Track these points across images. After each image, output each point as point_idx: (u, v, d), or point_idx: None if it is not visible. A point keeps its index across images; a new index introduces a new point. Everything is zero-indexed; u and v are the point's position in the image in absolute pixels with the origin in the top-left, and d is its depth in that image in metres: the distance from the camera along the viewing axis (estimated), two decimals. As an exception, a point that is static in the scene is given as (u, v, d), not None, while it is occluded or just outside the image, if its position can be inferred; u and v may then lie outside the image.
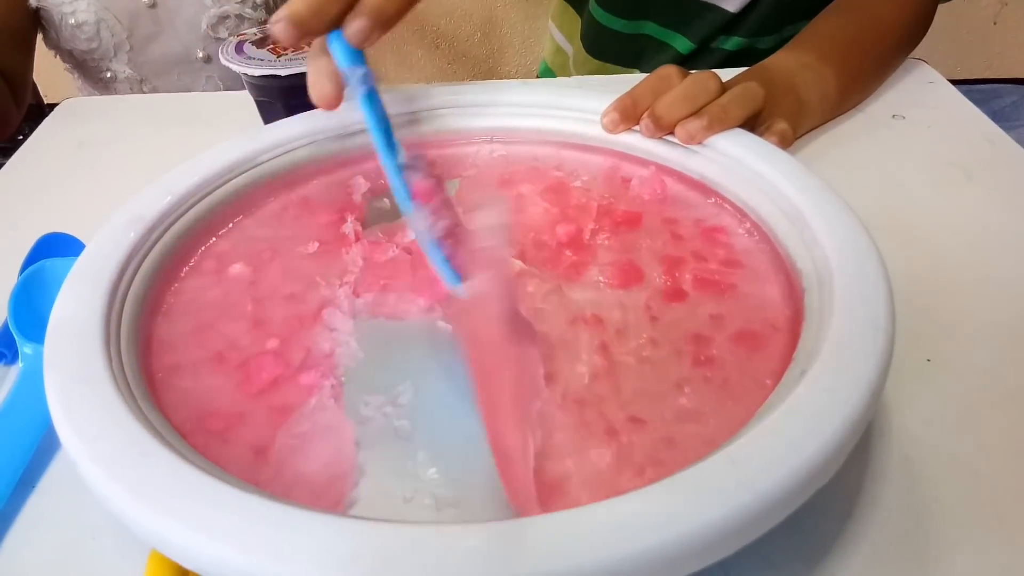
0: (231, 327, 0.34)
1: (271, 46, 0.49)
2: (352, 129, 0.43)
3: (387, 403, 0.31)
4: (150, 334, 0.33)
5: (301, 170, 0.43)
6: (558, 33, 0.88)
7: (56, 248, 0.42)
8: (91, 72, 0.80)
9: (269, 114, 0.51)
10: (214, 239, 0.39)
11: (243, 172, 0.41)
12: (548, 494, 0.26)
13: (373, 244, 0.39)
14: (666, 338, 0.33)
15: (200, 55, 0.79)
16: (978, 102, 0.60)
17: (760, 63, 0.53)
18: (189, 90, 0.81)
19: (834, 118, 0.55)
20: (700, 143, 0.41)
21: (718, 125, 0.40)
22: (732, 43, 0.74)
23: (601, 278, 0.36)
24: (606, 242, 0.39)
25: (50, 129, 0.61)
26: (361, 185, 0.43)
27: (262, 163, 0.41)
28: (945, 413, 0.34)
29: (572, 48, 0.84)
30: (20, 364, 0.36)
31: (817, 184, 0.35)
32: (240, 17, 0.78)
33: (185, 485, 0.24)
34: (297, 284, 0.37)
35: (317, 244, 0.39)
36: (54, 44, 0.78)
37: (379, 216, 0.42)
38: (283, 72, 0.47)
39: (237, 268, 0.38)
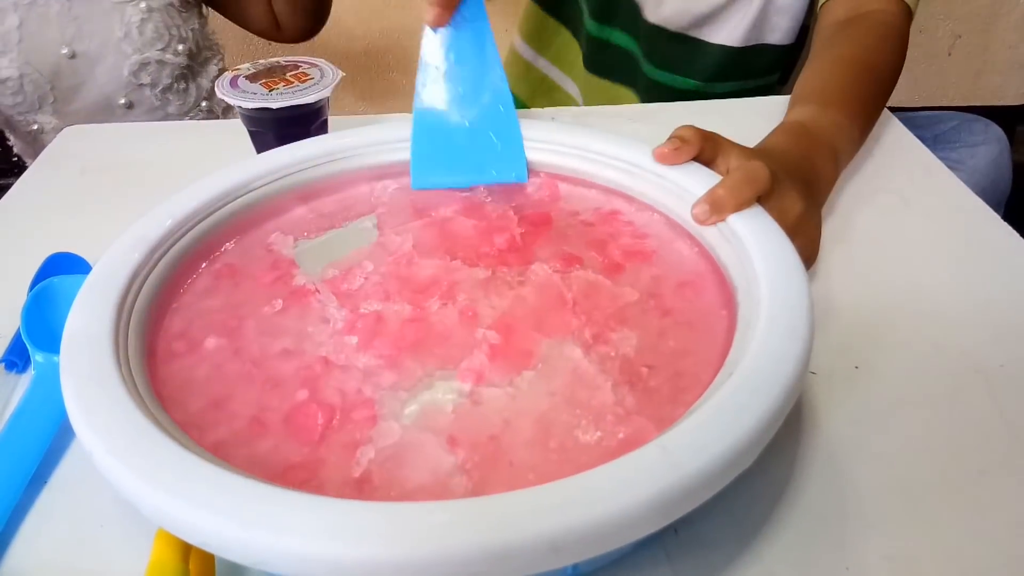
0: (248, 393, 0.35)
1: (263, 81, 0.53)
2: (252, 186, 0.45)
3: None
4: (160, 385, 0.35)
5: (212, 238, 0.43)
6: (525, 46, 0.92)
7: (62, 266, 0.45)
8: (19, 125, 0.81)
9: (261, 144, 0.54)
10: (166, 319, 0.39)
11: (170, 247, 0.40)
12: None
13: (335, 282, 0.41)
14: (629, 301, 0.38)
15: (122, 101, 0.80)
16: (921, 127, 0.64)
17: (796, 121, 0.54)
18: None
19: None
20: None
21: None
22: (687, 83, 0.79)
23: (549, 267, 0.41)
24: (536, 240, 0.43)
25: (52, 155, 0.64)
26: (282, 240, 0.44)
27: (181, 237, 0.41)
28: (869, 414, 0.38)
29: (543, 60, 0.88)
30: (32, 372, 0.39)
31: (754, 209, 0.40)
32: (161, 63, 0.79)
33: (189, 470, 0.27)
34: (285, 340, 0.37)
35: (280, 301, 0.40)
36: None
37: (317, 256, 0.43)
38: (274, 105, 0.51)
39: (212, 342, 0.37)
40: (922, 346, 0.42)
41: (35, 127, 0.81)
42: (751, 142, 0.49)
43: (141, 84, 0.80)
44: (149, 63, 0.79)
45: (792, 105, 0.57)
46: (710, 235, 0.41)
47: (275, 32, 0.90)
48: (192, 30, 0.82)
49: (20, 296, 0.44)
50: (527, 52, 0.91)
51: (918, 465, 0.36)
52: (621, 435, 0.32)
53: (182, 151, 0.63)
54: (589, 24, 0.82)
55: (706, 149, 0.44)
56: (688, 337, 0.37)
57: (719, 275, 0.39)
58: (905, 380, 0.40)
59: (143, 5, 0.76)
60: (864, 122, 0.57)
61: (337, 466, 0.31)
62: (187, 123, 0.73)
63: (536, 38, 0.90)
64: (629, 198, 0.46)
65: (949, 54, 1.58)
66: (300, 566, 0.25)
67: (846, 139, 0.54)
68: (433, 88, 0.48)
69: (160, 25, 0.78)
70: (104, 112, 0.81)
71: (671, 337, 0.37)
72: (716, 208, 0.40)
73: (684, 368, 0.35)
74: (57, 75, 0.77)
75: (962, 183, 0.56)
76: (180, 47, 0.80)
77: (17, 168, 1.49)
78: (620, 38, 0.82)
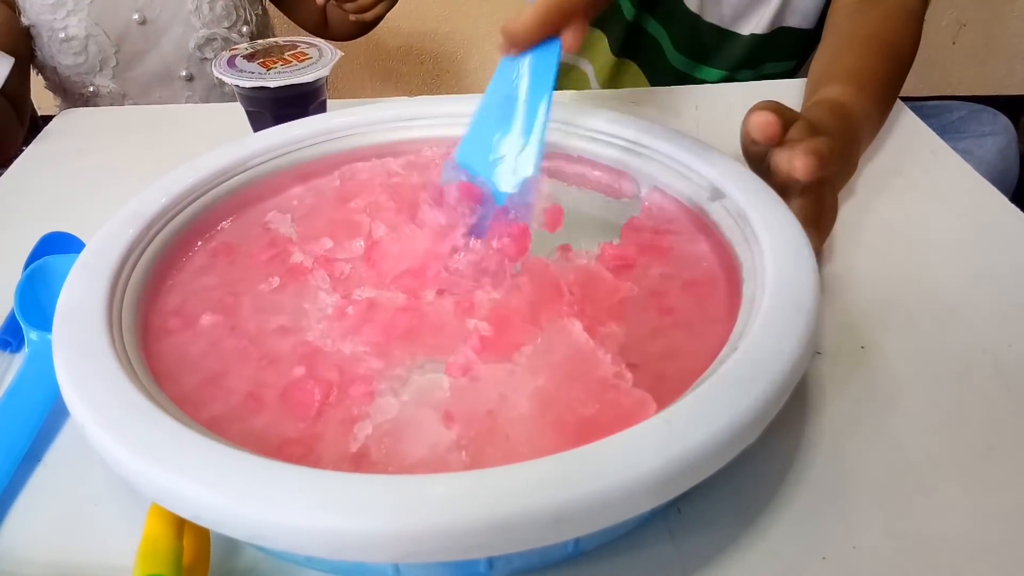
0: (244, 370, 0.34)
1: (261, 60, 0.53)
2: (249, 164, 0.45)
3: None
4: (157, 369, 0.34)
5: (208, 216, 0.43)
6: None
7: (57, 246, 0.45)
8: (73, 87, 0.82)
9: (258, 123, 0.54)
10: (161, 296, 0.38)
11: (165, 224, 0.40)
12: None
13: (328, 261, 0.40)
14: (633, 297, 0.37)
15: (183, 73, 0.82)
16: (929, 116, 0.64)
17: (838, 102, 0.52)
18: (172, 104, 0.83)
19: None
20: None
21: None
22: (712, 75, 0.79)
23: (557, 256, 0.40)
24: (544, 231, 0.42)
25: (50, 136, 0.64)
26: (279, 219, 0.44)
27: (177, 214, 0.41)
28: (876, 394, 0.38)
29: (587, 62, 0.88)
30: (26, 350, 0.39)
31: (759, 186, 0.39)
32: (227, 40, 0.82)
33: (182, 444, 0.27)
34: (282, 317, 0.37)
35: (277, 279, 0.39)
36: (39, 62, 0.80)
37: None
38: (272, 84, 0.50)
39: (208, 319, 0.37)
40: (929, 326, 0.41)
41: (91, 89, 0.82)
42: (729, 132, 0.47)
43: (204, 58, 0.82)
44: (215, 39, 0.81)
45: (824, 81, 0.55)
46: (714, 211, 0.40)
47: (323, 31, 0.94)
48: (256, 15, 0.84)
49: (14, 276, 0.43)
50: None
51: (925, 444, 0.35)
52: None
53: (181, 134, 0.63)
54: (627, 11, 0.82)
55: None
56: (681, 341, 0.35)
57: (733, 282, 0.37)
58: (912, 360, 0.39)
59: None
60: (886, 110, 0.57)
61: (334, 442, 0.31)
62: (186, 106, 0.72)
63: None
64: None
65: (954, 43, 1.56)
66: (296, 539, 0.25)
67: (871, 128, 0.54)
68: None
69: (229, 4, 0.80)
70: (163, 81, 0.82)
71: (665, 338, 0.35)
72: (823, 164, 0.38)
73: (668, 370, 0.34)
74: (124, 39, 0.79)
75: (969, 166, 0.55)
76: (244, 28, 0.82)
77: (14, 155, 1.50)
78: (653, 26, 0.82)
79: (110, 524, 0.32)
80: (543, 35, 0.39)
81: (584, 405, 0.31)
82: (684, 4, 0.78)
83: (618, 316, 0.36)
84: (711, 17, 0.79)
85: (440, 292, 0.38)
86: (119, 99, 0.83)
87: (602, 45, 0.87)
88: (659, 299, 0.37)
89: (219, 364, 0.34)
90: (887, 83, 0.57)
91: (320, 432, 0.31)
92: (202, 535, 0.29)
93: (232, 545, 0.31)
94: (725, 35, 0.79)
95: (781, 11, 0.76)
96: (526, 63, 0.40)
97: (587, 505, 0.25)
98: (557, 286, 0.37)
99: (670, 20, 0.81)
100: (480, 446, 0.30)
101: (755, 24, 0.78)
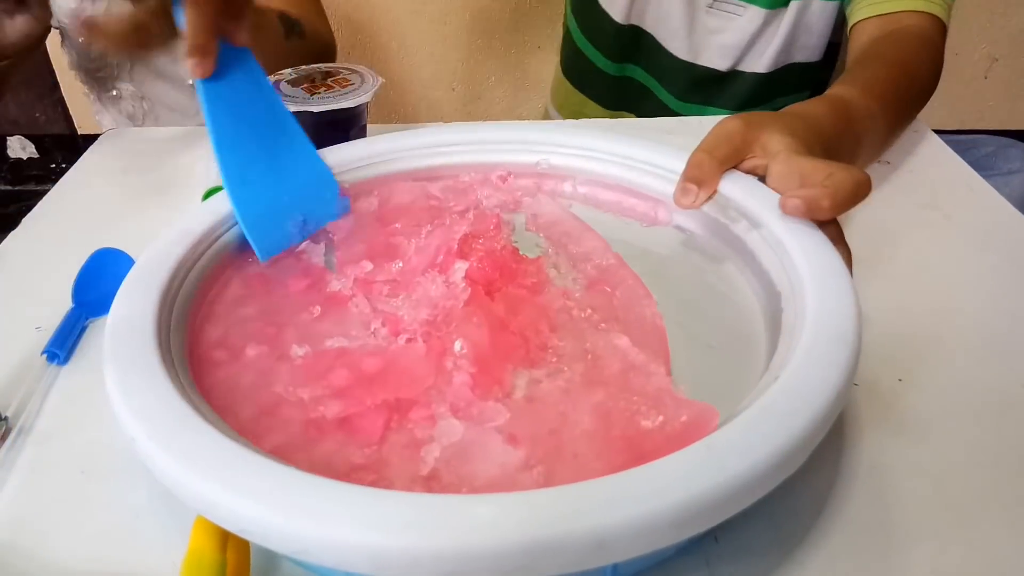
0: (302, 395, 0.34)
1: (305, 85, 0.54)
2: None
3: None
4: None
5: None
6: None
7: (107, 262, 0.46)
8: (105, 87, 0.84)
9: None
10: (203, 327, 0.38)
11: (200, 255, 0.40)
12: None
13: (367, 284, 0.41)
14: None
15: None
16: (960, 151, 0.64)
17: (839, 96, 0.51)
18: (185, 110, 0.85)
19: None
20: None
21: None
22: (722, 114, 0.79)
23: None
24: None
25: (95, 156, 0.65)
26: (312, 248, 0.44)
27: (212, 243, 0.41)
28: (914, 427, 0.37)
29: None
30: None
31: (810, 230, 0.39)
32: None
33: (230, 458, 0.27)
34: (330, 344, 0.37)
35: (319, 308, 0.40)
36: (74, 63, 0.83)
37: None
38: (316, 108, 0.51)
39: (253, 350, 0.37)
40: (965, 360, 0.41)
41: (114, 92, 0.83)
42: None
43: None
44: None
45: (832, 86, 0.55)
46: (752, 241, 0.40)
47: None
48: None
49: (62, 291, 0.45)
50: (557, 118, 0.94)
51: (965, 479, 0.35)
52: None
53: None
54: (606, 66, 0.83)
55: (734, 154, 0.43)
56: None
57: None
58: (950, 393, 0.39)
59: None
60: (894, 118, 0.56)
61: (402, 465, 0.31)
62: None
63: (566, 108, 0.92)
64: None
65: (986, 77, 1.56)
66: (339, 555, 0.25)
67: (876, 129, 0.53)
68: (231, 152, 0.42)
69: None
70: (177, 85, 0.83)
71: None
72: (811, 211, 0.38)
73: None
74: None
75: (1005, 200, 0.55)
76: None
77: (54, 176, 1.53)
78: (638, 73, 0.83)
79: (151, 537, 0.33)
80: (212, 45, 0.40)
81: (646, 417, 0.31)
82: (671, 54, 0.78)
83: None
84: (706, 62, 0.79)
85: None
86: (138, 100, 0.84)
87: (591, 106, 0.88)
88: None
89: (271, 395, 0.34)
90: (896, 92, 0.56)
91: (387, 457, 0.31)
92: (243, 548, 0.30)
93: (270, 559, 0.32)
94: (726, 76, 0.79)
95: (787, 48, 0.76)
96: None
97: (628, 530, 0.25)
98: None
99: (659, 69, 0.81)
100: (550, 465, 0.30)
101: (757, 63, 0.77)
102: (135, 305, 0.35)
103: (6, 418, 0.38)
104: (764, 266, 0.39)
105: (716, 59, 0.78)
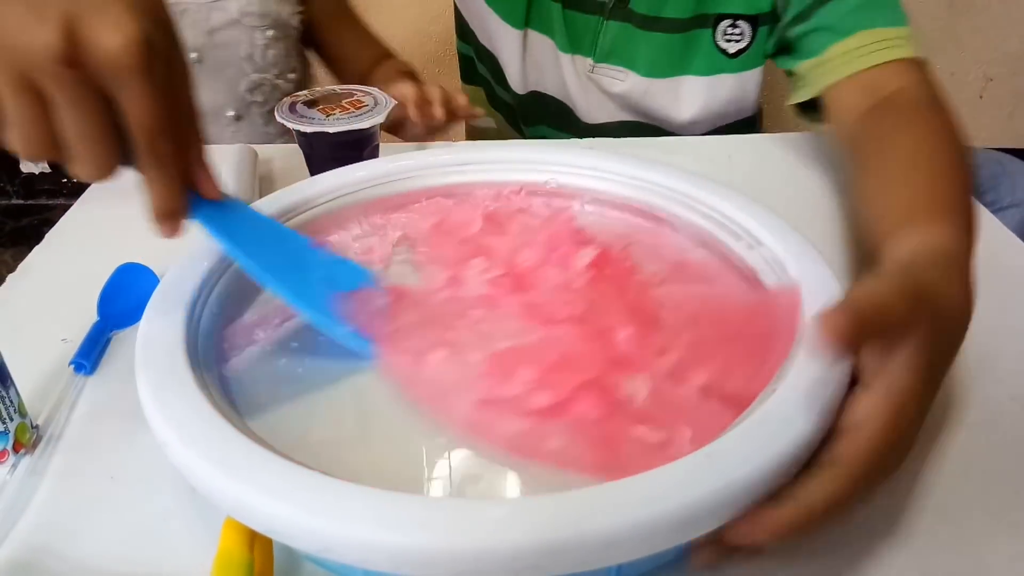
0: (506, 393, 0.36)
1: (320, 107, 0.56)
2: (317, 202, 0.48)
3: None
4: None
5: None
6: None
7: (131, 276, 0.48)
8: None
9: (316, 165, 0.57)
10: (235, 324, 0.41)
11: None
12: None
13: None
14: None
15: (231, 113, 0.85)
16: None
17: (938, 250, 0.41)
18: (217, 143, 0.86)
19: None
20: None
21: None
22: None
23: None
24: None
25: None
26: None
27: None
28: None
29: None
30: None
31: (808, 250, 0.41)
32: (275, 86, 0.84)
33: (258, 462, 0.29)
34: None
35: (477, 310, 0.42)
36: None
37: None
38: (331, 129, 0.53)
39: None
40: (959, 374, 0.43)
41: None
42: (760, 180, 0.51)
43: (252, 101, 0.85)
44: (264, 84, 0.84)
45: (902, 223, 0.44)
46: (751, 258, 0.42)
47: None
48: (302, 62, 0.88)
49: (86, 305, 0.46)
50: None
51: (956, 487, 0.36)
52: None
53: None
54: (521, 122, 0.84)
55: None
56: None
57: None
58: (942, 406, 0.41)
59: (270, 33, 0.81)
60: (971, 213, 0.45)
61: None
62: (243, 145, 0.76)
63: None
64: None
65: (981, 97, 1.59)
66: (360, 554, 0.27)
67: (971, 249, 0.43)
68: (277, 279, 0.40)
69: (280, 52, 0.83)
70: (211, 120, 0.85)
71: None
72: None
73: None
74: None
75: (997, 219, 0.57)
76: (291, 75, 0.86)
77: (65, 190, 1.54)
78: (552, 133, 0.82)
79: (178, 538, 0.35)
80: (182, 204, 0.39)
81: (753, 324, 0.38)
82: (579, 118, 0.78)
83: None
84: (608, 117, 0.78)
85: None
86: None
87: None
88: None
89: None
90: (962, 188, 0.47)
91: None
92: (267, 548, 0.31)
93: (292, 557, 0.33)
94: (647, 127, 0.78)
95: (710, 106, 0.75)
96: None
97: (635, 532, 0.26)
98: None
99: (576, 133, 0.79)
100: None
101: (682, 113, 0.75)
102: (165, 316, 0.37)
103: (37, 426, 0.39)
104: (764, 283, 0.41)
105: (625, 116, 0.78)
